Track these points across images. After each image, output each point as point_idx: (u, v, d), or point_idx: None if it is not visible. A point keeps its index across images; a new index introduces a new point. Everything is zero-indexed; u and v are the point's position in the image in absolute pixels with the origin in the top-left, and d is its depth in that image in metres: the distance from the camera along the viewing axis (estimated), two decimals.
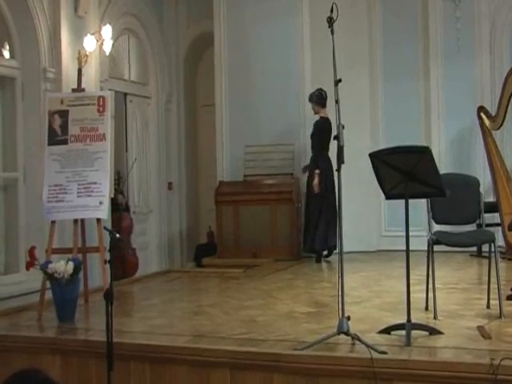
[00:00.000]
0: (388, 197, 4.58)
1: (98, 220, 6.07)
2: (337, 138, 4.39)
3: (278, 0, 9.19)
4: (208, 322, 5.14)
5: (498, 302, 4.92)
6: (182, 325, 5.15)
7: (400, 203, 4.43)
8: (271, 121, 9.02)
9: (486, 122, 8.40)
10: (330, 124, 8.37)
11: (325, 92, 8.45)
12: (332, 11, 4.53)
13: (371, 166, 4.47)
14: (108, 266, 4.16)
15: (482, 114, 8.45)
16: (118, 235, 4.26)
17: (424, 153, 4.33)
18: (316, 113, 8.67)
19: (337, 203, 8.83)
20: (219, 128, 9.52)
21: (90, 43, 7.62)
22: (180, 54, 10.70)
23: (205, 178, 10.79)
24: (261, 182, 9.00)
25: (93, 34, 7.77)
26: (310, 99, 8.68)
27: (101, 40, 7.83)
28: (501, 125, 8.19)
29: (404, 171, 4.32)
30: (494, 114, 8.27)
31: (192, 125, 11.01)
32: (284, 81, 9.02)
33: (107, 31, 7.83)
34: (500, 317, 4.84)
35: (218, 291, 7.18)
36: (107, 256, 4.17)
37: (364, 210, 9.22)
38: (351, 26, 9.14)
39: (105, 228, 4.67)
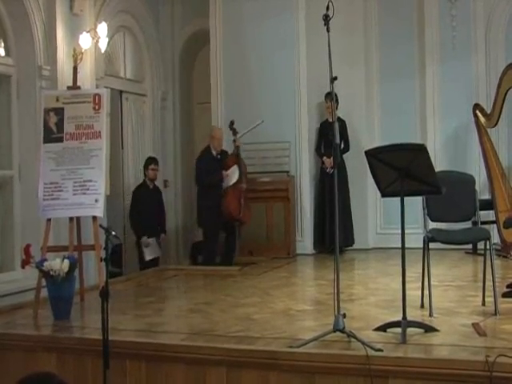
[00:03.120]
0: (384, 194, 4.58)
1: (94, 218, 6.07)
2: (332, 135, 4.40)
3: None
4: (204, 320, 5.14)
5: (493, 299, 4.93)
6: (178, 323, 5.15)
7: (396, 201, 4.44)
8: (267, 119, 9.00)
9: (482, 119, 8.41)
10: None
11: None
12: (328, 9, 4.55)
13: (367, 163, 4.48)
14: (104, 263, 4.17)
15: (477, 112, 8.47)
16: (113, 233, 4.25)
17: (420, 150, 4.33)
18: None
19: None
20: (215, 125, 9.50)
21: (85, 41, 7.61)
22: (176, 51, 10.69)
23: None
24: (257, 180, 9.00)
25: (88, 31, 7.76)
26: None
27: (96, 38, 7.83)
28: (496, 123, 8.21)
29: (399, 169, 4.32)
30: (489, 112, 8.29)
31: (188, 122, 11.00)
32: (280, 79, 9.02)
33: (103, 29, 7.82)
34: (495, 314, 4.85)
35: (214, 289, 7.17)
36: (103, 254, 4.17)
37: (360, 207, 9.24)
38: (347, 23, 9.14)
39: (100, 226, 4.66)
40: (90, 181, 6.08)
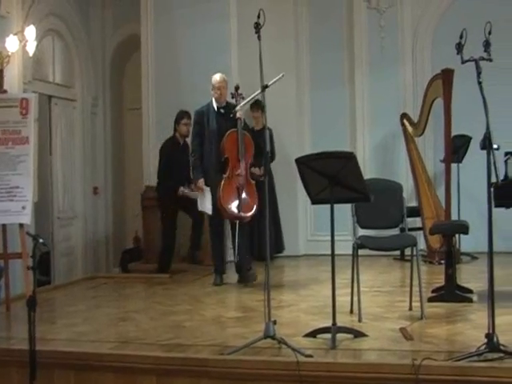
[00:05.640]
0: (314, 202, 4.63)
1: (21, 225, 5.94)
2: (263, 143, 4.43)
3: (206, 4, 9.17)
4: (134, 328, 5.09)
5: (419, 304, 5.07)
6: (108, 331, 5.08)
7: (326, 208, 4.49)
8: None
9: (409, 128, 8.62)
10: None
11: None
12: (259, 17, 4.59)
13: (297, 171, 4.52)
14: (31, 272, 4.08)
15: (404, 121, 8.67)
16: (41, 240, 4.17)
17: (349, 158, 4.40)
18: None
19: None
20: (146, 132, 9.43)
21: (12, 44, 7.44)
22: (106, 56, 10.58)
23: (131, 183, 10.67)
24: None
25: (15, 34, 7.60)
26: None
27: (24, 41, 7.67)
28: (423, 131, 8.42)
29: (329, 176, 4.38)
30: (416, 121, 8.49)
31: (119, 128, 10.89)
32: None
33: (31, 32, 7.67)
34: (421, 318, 4.98)
35: (144, 297, 7.11)
36: (30, 262, 4.08)
37: (290, 214, 9.30)
38: (278, 32, 9.21)
39: (28, 233, 4.56)
40: (17, 187, 5.95)
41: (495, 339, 3.83)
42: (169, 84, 9.26)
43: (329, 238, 4.48)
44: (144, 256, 9.16)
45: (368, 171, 8.26)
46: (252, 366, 3.97)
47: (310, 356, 3.98)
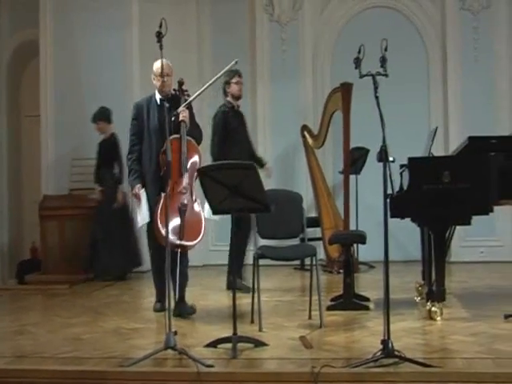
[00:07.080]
0: (215, 212, 4.66)
1: None
2: (165, 153, 4.41)
3: (107, 11, 9.06)
4: (30, 342, 4.95)
5: (319, 312, 5.17)
6: (3, 345, 4.92)
7: (227, 218, 4.52)
8: (98, 134, 8.85)
9: (309, 140, 8.79)
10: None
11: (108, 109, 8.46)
12: (161, 26, 4.59)
13: (199, 181, 4.53)
14: None
15: (305, 133, 8.84)
16: None
17: (249, 169, 4.45)
18: (103, 131, 8.53)
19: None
20: (44, 140, 9.21)
21: None
22: (2, 61, 10.27)
23: (29, 191, 10.40)
24: (87, 197, 8.79)
25: None
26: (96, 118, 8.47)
27: None
28: (322, 143, 8.61)
29: (230, 187, 4.42)
30: (316, 133, 8.67)
31: (16, 136, 10.59)
32: (113, 94, 8.89)
33: None
34: (320, 327, 5.08)
35: (41, 309, 6.92)
36: None
37: None
38: (181, 41, 9.20)
39: None
40: None
41: (390, 345, 3.95)
42: (69, 91, 9.09)
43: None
44: (42, 267, 8.92)
45: (269, 182, 8.31)
46: (152, 378, 3.94)
47: (211, 366, 3.98)
